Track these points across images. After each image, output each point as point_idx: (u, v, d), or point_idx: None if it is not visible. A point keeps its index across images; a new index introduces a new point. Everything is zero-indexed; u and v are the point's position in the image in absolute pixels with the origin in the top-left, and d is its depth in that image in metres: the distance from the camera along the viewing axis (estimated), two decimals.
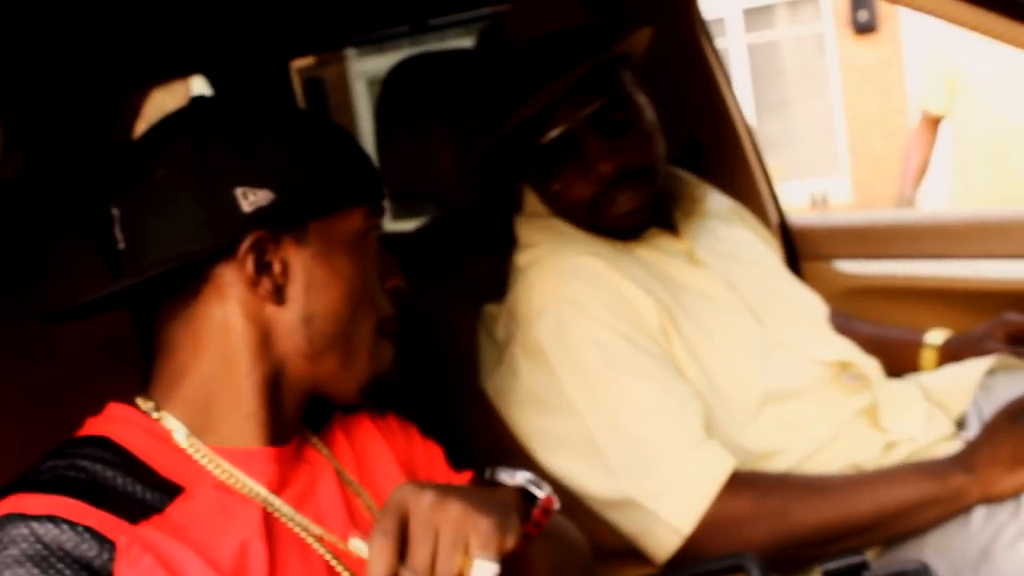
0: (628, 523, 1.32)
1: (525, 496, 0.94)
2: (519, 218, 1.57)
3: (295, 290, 0.93)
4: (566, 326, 1.38)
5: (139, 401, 0.92)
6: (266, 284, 0.91)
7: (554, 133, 1.40)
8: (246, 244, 0.89)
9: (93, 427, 0.91)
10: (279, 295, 0.92)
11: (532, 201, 1.57)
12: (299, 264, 0.92)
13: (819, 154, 8.14)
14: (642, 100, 1.47)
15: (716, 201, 1.73)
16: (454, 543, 0.81)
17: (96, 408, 0.93)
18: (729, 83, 1.99)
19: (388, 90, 1.69)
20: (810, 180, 7.97)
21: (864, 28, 7.63)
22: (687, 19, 1.91)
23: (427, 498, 0.82)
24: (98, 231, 1.03)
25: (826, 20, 7.96)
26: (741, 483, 1.30)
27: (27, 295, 1.02)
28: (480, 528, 0.81)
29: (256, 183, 0.89)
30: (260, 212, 0.89)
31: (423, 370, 1.59)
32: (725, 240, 1.64)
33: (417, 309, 1.62)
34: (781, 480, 1.34)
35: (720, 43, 8.03)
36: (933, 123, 3.73)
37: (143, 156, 0.91)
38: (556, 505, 0.97)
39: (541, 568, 1.01)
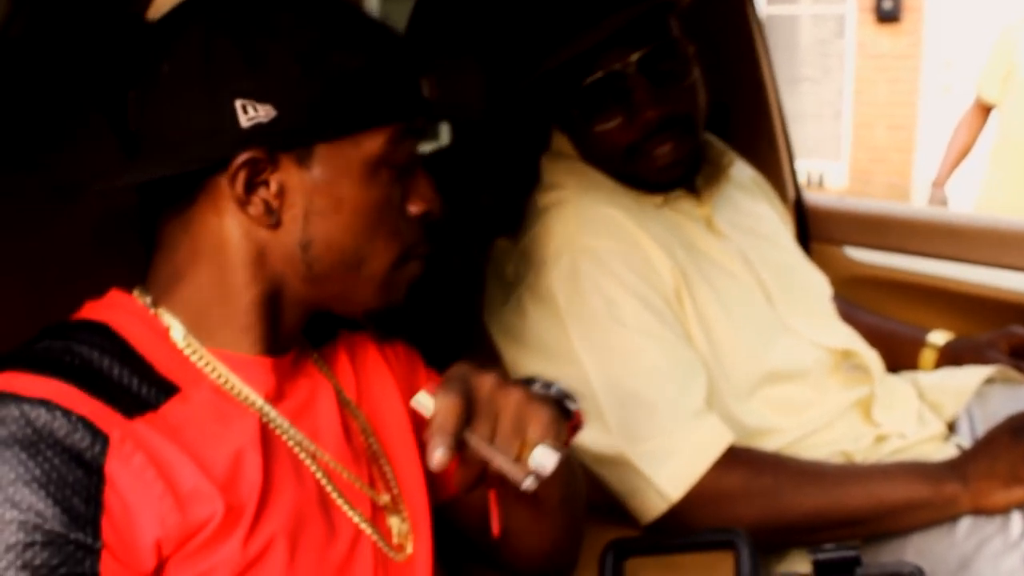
0: (617, 481, 1.31)
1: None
2: (546, 157, 1.53)
3: (292, 214, 0.85)
4: (580, 275, 1.35)
5: (136, 294, 0.88)
6: (257, 206, 0.83)
7: (600, 74, 1.36)
8: (237, 162, 0.81)
9: (92, 311, 0.87)
10: (273, 217, 0.84)
11: (560, 143, 1.53)
12: (298, 188, 0.84)
13: (822, 135, 8.11)
14: (690, 51, 1.43)
15: (740, 171, 1.70)
16: (515, 426, 0.80)
17: (93, 288, 0.89)
18: (767, 53, 1.95)
19: (418, 15, 1.63)
20: (809, 160, 7.95)
21: (887, 16, 7.57)
22: None
23: (490, 378, 0.81)
24: (111, 109, 0.98)
25: (850, 3, 7.88)
26: (736, 459, 1.29)
27: (31, 168, 0.97)
28: (541, 416, 0.81)
29: (258, 96, 0.80)
30: (258, 129, 0.81)
31: (424, 297, 1.56)
32: (745, 213, 1.61)
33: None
34: (776, 461, 1.33)
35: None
36: (984, 110, 3.72)
37: (153, 47, 0.84)
38: (583, 424, 0.95)
39: (557, 488, 0.99)
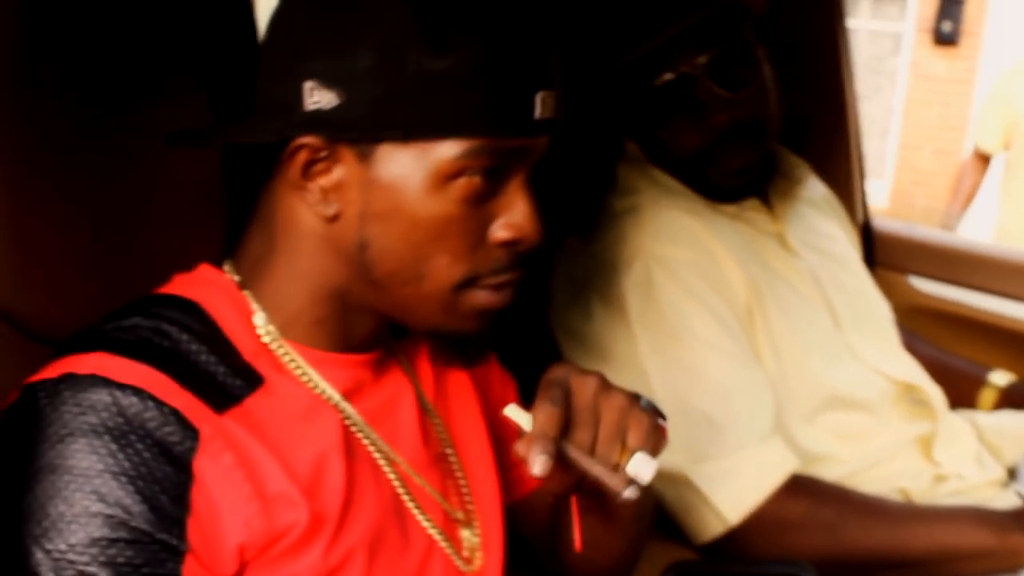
0: (675, 497, 1.28)
1: None
2: (622, 162, 1.50)
3: (349, 211, 0.79)
4: (653, 283, 1.32)
5: (227, 268, 0.84)
6: (315, 192, 0.79)
7: (669, 76, 1.33)
8: (292, 146, 0.77)
9: (181, 286, 0.83)
10: (331, 208, 0.79)
11: (633, 148, 1.50)
12: (356, 184, 0.78)
13: (866, 153, 8.02)
14: (761, 55, 1.39)
15: (813, 187, 1.66)
16: (616, 432, 0.79)
17: (180, 258, 0.86)
18: (851, 70, 1.91)
19: None
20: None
21: (945, 39, 7.46)
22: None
23: (592, 382, 0.80)
24: (208, 66, 0.95)
25: (908, 22, 7.78)
26: (800, 487, 1.26)
27: (128, 129, 0.94)
28: (642, 423, 0.80)
29: (327, 80, 0.75)
30: (318, 115, 0.75)
31: None
32: (818, 232, 1.57)
33: None
34: (840, 494, 1.30)
35: None
36: (984, 159, 3.71)
37: (278, 6, 0.81)
38: (668, 441, 0.91)
39: (634, 505, 0.95)
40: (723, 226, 1.40)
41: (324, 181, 0.78)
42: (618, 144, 1.52)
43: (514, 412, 0.80)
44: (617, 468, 0.78)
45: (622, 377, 1.28)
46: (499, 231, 0.81)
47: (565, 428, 0.78)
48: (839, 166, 1.91)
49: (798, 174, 1.60)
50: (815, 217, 1.61)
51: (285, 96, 0.76)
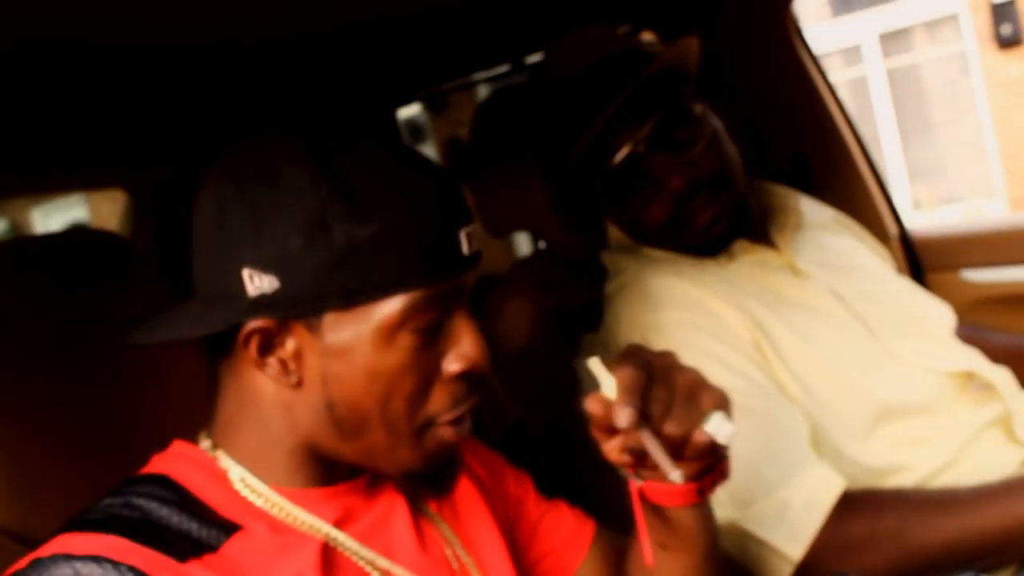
0: (737, 551, 1.26)
1: None
2: (605, 251, 1.56)
3: (311, 376, 0.84)
4: None
5: (200, 438, 0.91)
6: (274, 367, 0.84)
7: (619, 157, 1.38)
8: (245, 330, 0.82)
9: (155, 465, 0.90)
10: (293, 377, 0.84)
11: (615, 232, 1.55)
12: (313, 352, 0.83)
13: (972, 175, 7.80)
14: (699, 110, 1.42)
15: (818, 211, 1.67)
16: (692, 395, 0.83)
17: (181, 432, 0.93)
18: (835, 93, 1.92)
19: (480, 122, 1.70)
20: (965, 203, 7.65)
21: (1008, 42, 7.31)
22: (783, 33, 1.86)
23: (667, 355, 0.86)
24: (168, 271, 1.06)
25: (967, 37, 7.66)
26: (853, 503, 1.22)
27: (101, 341, 1.04)
28: (716, 392, 0.85)
29: (262, 266, 0.80)
30: (263, 299, 0.81)
31: (522, 398, 1.58)
32: (829, 250, 1.57)
33: (517, 341, 1.62)
34: (898, 498, 1.25)
35: (857, 72, 7.88)
36: None
37: (194, 202, 0.87)
38: (729, 476, 0.95)
39: (702, 536, 0.98)
40: (712, 276, 1.42)
41: (281, 354, 0.84)
42: (601, 235, 1.57)
43: (596, 366, 0.85)
44: (694, 427, 0.83)
45: None
46: (452, 365, 0.87)
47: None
48: (855, 189, 1.91)
49: (792, 203, 1.61)
50: (825, 237, 1.60)
51: (227, 284, 0.82)
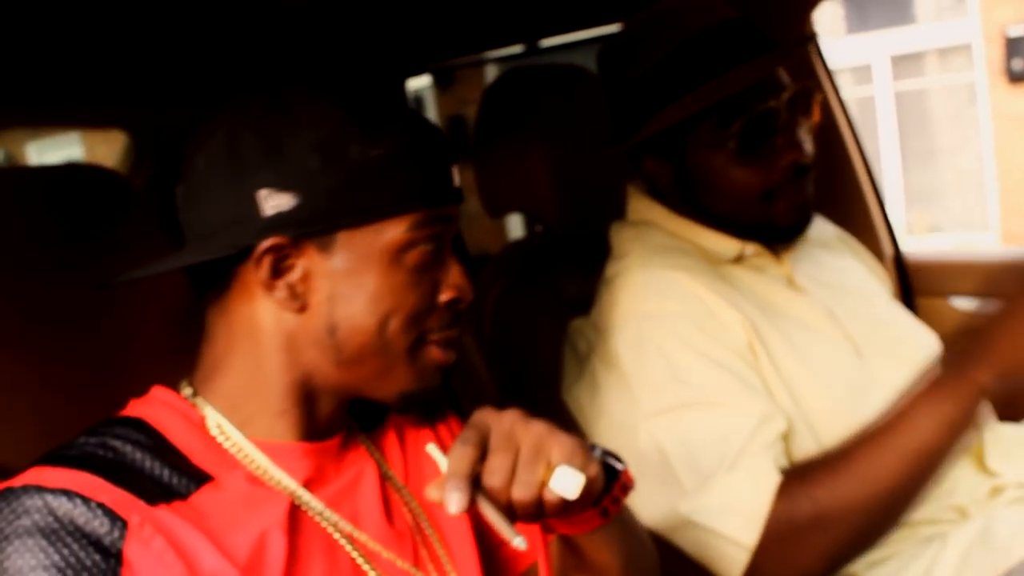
0: (693, 545, 1.27)
1: (604, 470, 0.90)
2: (616, 225, 1.54)
3: (317, 298, 0.88)
4: (645, 341, 1.34)
5: (182, 385, 0.92)
6: (282, 290, 0.88)
7: (754, 112, 1.36)
8: (261, 248, 0.86)
9: (133, 408, 0.91)
10: (299, 302, 0.88)
11: (639, 208, 1.54)
12: (322, 273, 0.88)
13: (967, 206, 7.82)
14: (819, 98, 1.44)
15: (821, 229, 1.67)
16: (536, 454, 0.81)
17: (161, 380, 0.94)
18: (846, 110, 1.92)
19: (489, 103, 1.69)
20: (956, 233, 7.67)
21: (1019, 76, 7.31)
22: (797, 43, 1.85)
23: (509, 416, 0.83)
24: (161, 204, 1.05)
25: (979, 68, 7.67)
26: (788, 481, 1.23)
27: (93, 269, 1.04)
28: (564, 443, 0.82)
29: (279, 185, 0.85)
30: (280, 217, 0.85)
31: (506, 383, 1.58)
32: (829, 268, 1.58)
33: (507, 324, 1.62)
34: (822, 461, 1.25)
35: (866, 91, 7.89)
36: None
37: (193, 142, 0.90)
38: (634, 484, 0.94)
39: (616, 556, 0.97)
40: (715, 275, 1.42)
41: (289, 278, 0.88)
42: (608, 217, 1.56)
43: (433, 451, 0.84)
44: (544, 484, 0.80)
45: (630, 435, 1.31)
46: (444, 293, 0.93)
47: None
48: (854, 207, 1.91)
49: None
50: (825, 256, 1.61)
51: (239, 210, 0.86)
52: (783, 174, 1.39)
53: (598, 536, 0.93)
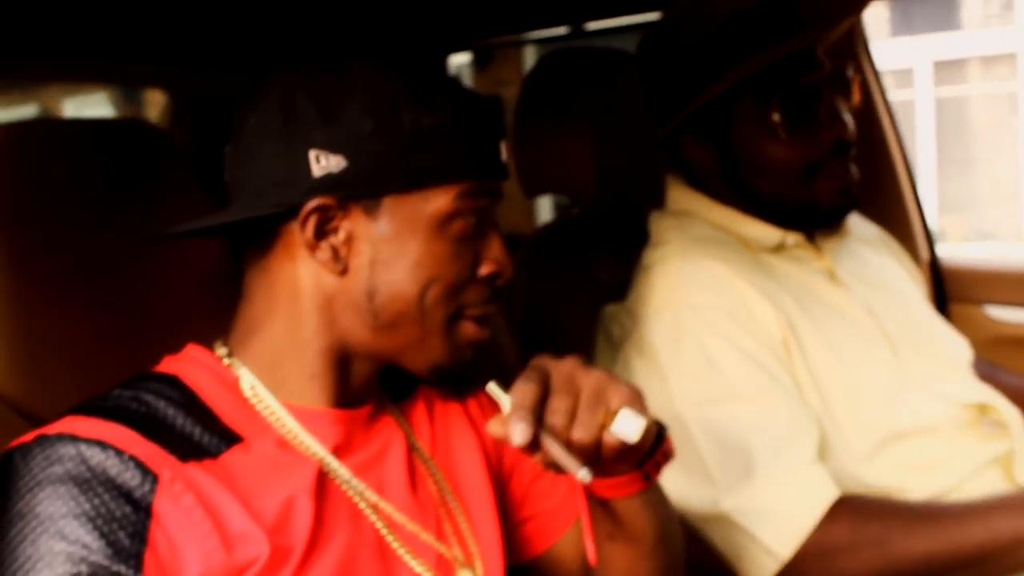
0: (723, 542, 1.26)
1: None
2: (656, 213, 1.53)
3: (359, 262, 0.88)
4: (682, 331, 1.33)
5: (216, 345, 0.93)
6: (325, 251, 0.88)
7: (804, 80, 1.36)
8: (307, 208, 0.86)
9: (167, 365, 0.91)
10: (340, 264, 0.88)
11: (679, 198, 1.53)
12: (366, 237, 0.88)
13: (1002, 216, 7.75)
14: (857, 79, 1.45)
15: (862, 226, 1.66)
16: (597, 397, 0.82)
17: (198, 337, 0.94)
18: (891, 112, 1.90)
19: (532, 84, 1.68)
20: (989, 242, 7.60)
21: None
22: (850, 43, 1.84)
23: (569, 361, 0.83)
24: (203, 165, 1.05)
25: (1022, 78, 7.59)
26: (843, 509, 1.22)
27: (132, 223, 1.04)
28: (623, 390, 0.83)
29: (331, 147, 0.85)
30: (329, 178, 0.85)
31: None
32: (869, 266, 1.56)
33: (539, 306, 1.61)
34: (884, 506, 1.26)
35: (906, 95, 7.82)
36: None
37: (245, 103, 0.90)
38: (674, 453, 0.94)
39: (652, 525, 0.97)
40: (753, 267, 1.41)
41: (333, 240, 0.88)
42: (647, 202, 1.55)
43: (494, 389, 0.84)
44: (604, 426, 0.81)
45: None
46: (483, 267, 0.93)
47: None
48: (894, 208, 1.90)
49: None
50: (867, 253, 1.60)
51: (289, 170, 0.86)
52: (825, 149, 1.38)
53: (637, 501, 0.94)
